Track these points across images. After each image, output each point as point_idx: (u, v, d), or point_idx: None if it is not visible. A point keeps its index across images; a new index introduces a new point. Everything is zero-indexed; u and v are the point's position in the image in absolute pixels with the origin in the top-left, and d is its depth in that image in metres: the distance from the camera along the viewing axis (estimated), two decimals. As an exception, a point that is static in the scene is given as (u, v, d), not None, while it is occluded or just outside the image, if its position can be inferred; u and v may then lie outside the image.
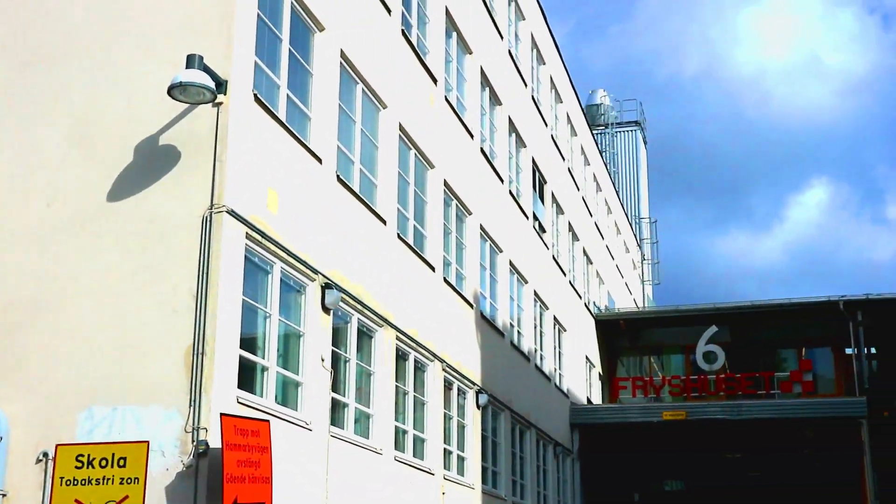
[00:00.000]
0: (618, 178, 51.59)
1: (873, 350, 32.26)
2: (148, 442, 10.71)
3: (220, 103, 11.55)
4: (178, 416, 10.78)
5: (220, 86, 11.50)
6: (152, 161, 11.71)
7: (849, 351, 31.95)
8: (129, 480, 10.58)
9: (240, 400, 11.32)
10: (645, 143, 55.93)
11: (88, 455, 10.76)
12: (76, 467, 10.74)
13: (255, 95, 12.16)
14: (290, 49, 13.43)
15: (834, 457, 32.23)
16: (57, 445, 10.92)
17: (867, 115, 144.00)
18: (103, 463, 10.69)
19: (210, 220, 11.27)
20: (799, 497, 33.12)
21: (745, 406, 29.95)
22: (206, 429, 10.65)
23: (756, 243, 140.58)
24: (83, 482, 10.68)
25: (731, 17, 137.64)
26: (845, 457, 30.57)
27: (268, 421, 11.33)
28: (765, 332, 34.93)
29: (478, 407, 20.88)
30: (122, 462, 10.66)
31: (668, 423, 30.05)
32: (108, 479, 10.62)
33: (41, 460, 11.10)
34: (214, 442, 10.62)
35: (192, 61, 11.21)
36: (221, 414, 10.58)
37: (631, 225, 49.83)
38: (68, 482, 10.71)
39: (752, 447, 33.98)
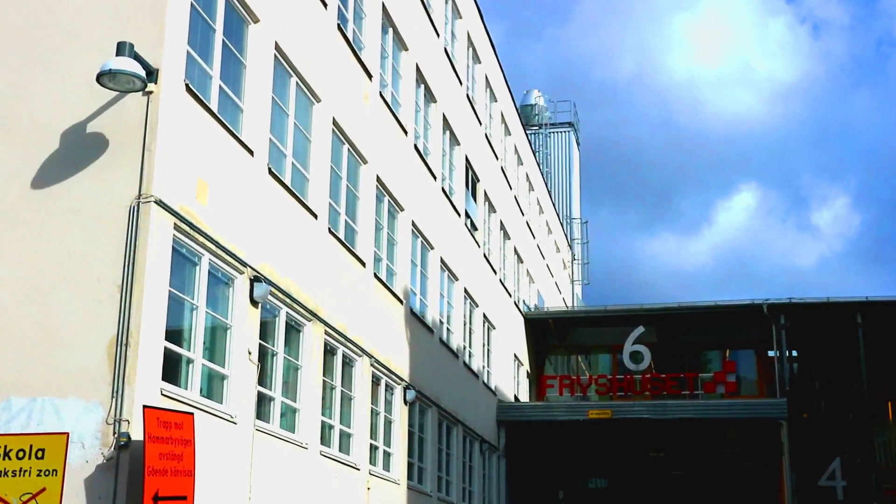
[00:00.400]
0: (550, 178, 51.94)
1: (794, 353, 32.89)
2: (68, 434, 10.56)
3: (151, 92, 11.41)
4: (99, 408, 10.64)
5: (151, 74, 11.37)
6: (79, 149, 11.53)
7: (771, 353, 32.54)
8: (46, 472, 10.42)
9: (164, 392, 11.21)
10: (578, 144, 56.36)
11: (5, 446, 10.57)
12: (-7, 458, 10.54)
13: (187, 85, 12.04)
14: (223, 39, 13.31)
15: (755, 457, 32.86)
16: (-26, 436, 10.71)
17: (796, 123, 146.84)
18: (21, 454, 10.51)
19: (137, 210, 11.14)
20: (720, 496, 33.71)
21: (669, 406, 30.37)
22: (128, 421, 10.53)
23: (684, 246, 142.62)
24: (0, 474, 10.48)
25: (666, 23, 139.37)
26: (766, 457, 31.18)
27: (192, 414, 11.24)
28: (690, 333, 35.45)
29: (405, 403, 20.91)
30: (39, 454, 10.49)
31: (593, 422, 30.35)
32: (25, 470, 10.45)
33: (-43, 451, 10.86)
34: (136, 434, 10.50)
35: (122, 49, 11.06)
36: (144, 406, 10.47)
37: (562, 225, 50.20)
38: (-15, 473, 10.50)
39: (675, 446, 34.50)
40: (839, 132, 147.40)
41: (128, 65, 10.93)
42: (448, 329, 25.44)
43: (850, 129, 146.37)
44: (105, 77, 10.96)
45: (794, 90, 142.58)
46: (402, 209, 21.29)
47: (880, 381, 30.60)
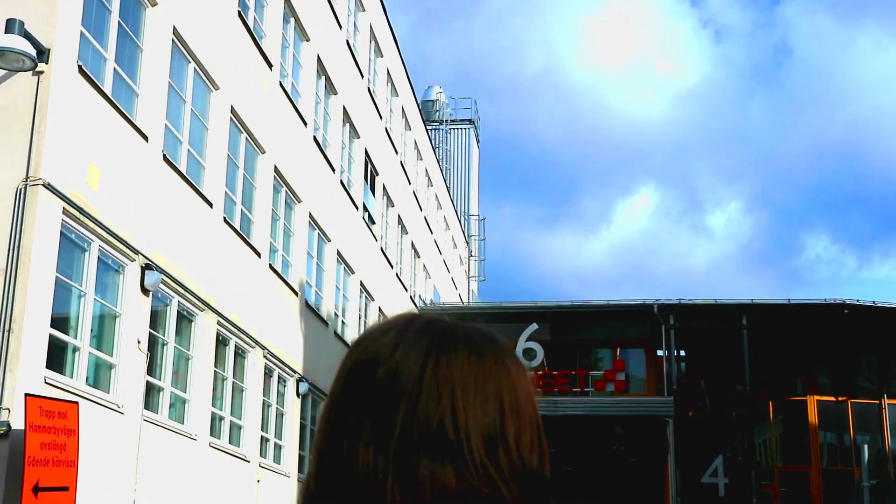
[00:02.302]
0: (449, 174, 52.14)
1: (683, 353, 33.65)
2: (-55, 421, 10.23)
3: (41, 72, 11.12)
4: (-21, 395, 10.33)
5: (42, 54, 11.08)
6: (-36, 128, 11.17)
7: (660, 353, 33.22)
8: (-78, 461, 10.07)
9: (47, 380, 10.94)
10: (478, 141, 56.70)
11: None
12: None
13: (80, 66, 11.76)
14: (119, 21, 13.04)
15: (642, 454, 33.53)
16: None
17: (695, 125, 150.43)
18: None
19: (24, 193, 10.85)
20: (608, 492, 34.29)
21: (560, 402, 30.78)
22: (8, 409, 10.25)
23: (583, 245, 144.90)
24: None
25: (572, 21, 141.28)
26: (652, 454, 31.85)
27: (77, 403, 10.99)
28: (583, 331, 35.94)
29: (298, 395, 20.78)
30: (-85, 441, 10.14)
31: (486, 417, 30.52)
32: None
33: None
34: (17, 423, 10.22)
35: (11, 26, 10.76)
36: (26, 394, 10.20)
37: (460, 221, 50.46)
38: None
39: (566, 443, 34.98)
40: (736, 136, 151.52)
41: (17, 43, 10.64)
42: (343, 322, 25.36)
43: (746, 133, 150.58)
44: (-7, 55, 10.64)
45: (694, 93, 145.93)
46: (299, 200, 21.14)
47: (762, 381, 31.53)
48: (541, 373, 34.40)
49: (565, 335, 35.64)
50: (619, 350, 36.46)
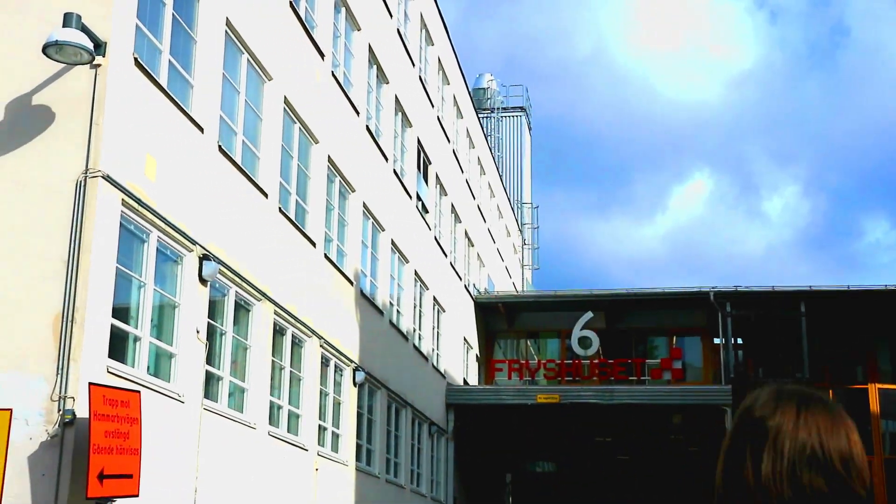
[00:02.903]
0: (502, 162, 52.01)
1: (740, 340, 33.29)
2: (11, 410, 10.38)
3: (99, 65, 11.23)
4: (44, 384, 10.48)
5: (99, 47, 11.18)
6: (25, 121, 11.31)
7: (717, 341, 32.89)
8: (-11, 449, 10.25)
9: (110, 370, 11.07)
10: (529, 129, 56.50)
11: (-53, 422, 10.38)
12: (-67, 435, 10.35)
13: (136, 59, 11.86)
14: (173, 13, 13.13)
15: (700, 442, 33.25)
16: (-87, 412, 10.51)
17: (750, 109, 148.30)
18: (-37, 431, 10.33)
19: (84, 185, 10.96)
20: (665, 481, 34.09)
21: (616, 391, 30.59)
22: (73, 398, 10.39)
23: (636, 231, 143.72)
24: (-60, 450, 10.30)
25: (622, 3, 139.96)
26: (711, 444, 31.55)
27: (138, 392, 11.11)
28: (638, 319, 35.71)
29: (354, 384, 20.86)
30: (-18, 430, 10.31)
31: (541, 406, 30.50)
32: (-33, 447, 10.27)
33: None
34: (82, 412, 10.36)
35: (69, 20, 10.86)
36: (90, 383, 10.32)
37: (513, 209, 50.33)
38: (-76, 450, 10.31)
39: (622, 432, 34.81)
40: (791, 119, 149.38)
41: (75, 36, 10.74)
42: (398, 311, 25.41)
43: (802, 116, 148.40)
44: (51, 48, 10.76)
45: (749, 75, 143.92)
46: (353, 190, 21.20)
47: (822, 369, 31.09)
48: (596, 361, 34.27)
49: (621, 323, 35.46)
50: (675, 338, 36.19)
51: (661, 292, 34.37)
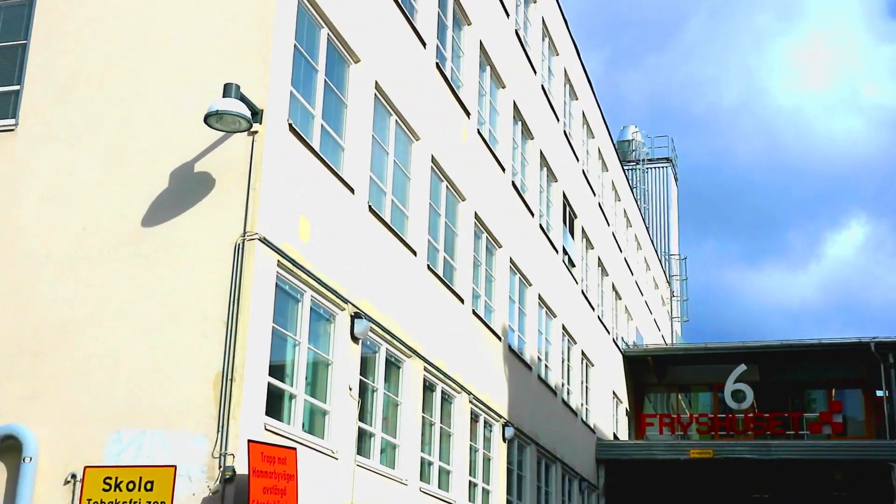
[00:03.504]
0: (648, 214, 51.48)
1: (904, 393, 31.84)
2: (175, 466, 10.75)
3: (256, 132, 11.66)
4: (205, 442, 10.82)
5: (256, 115, 11.62)
6: (186, 187, 11.82)
7: (880, 393, 31.61)
8: (155, 504, 10.62)
9: (267, 427, 11.35)
10: (676, 179, 55.83)
11: (116, 478, 10.81)
12: (104, 489, 10.79)
13: (290, 125, 12.28)
14: (325, 80, 13.56)
15: (864, 500, 31.80)
16: (85, 467, 10.99)
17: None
18: (130, 486, 10.74)
19: (242, 248, 11.36)
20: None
21: (773, 446, 29.65)
22: (233, 455, 10.69)
23: (790, 280, 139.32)
24: (110, 505, 10.72)
25: (770, 47, 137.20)
26: (876, 501, 30.15)
27: (294, 448, 11.35)
28: (794, 371, 34.64)
29: (504, 440, 20.80)
30: (149, 486, 10.70)
31: (694, 461, 29.77)
32: (136, 502, 10.66)
33: (69, 482, 11.16)
34: (241, 468, 10.65)
35: (228, 90, 11.33)
36: (249, 440, 10.61)
37: (660, 261, 49.67)
38: (95, 504, 10.76)
39: (780, 488, 33.60)
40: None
41: (234, 106, 11.19)
42: (546, 366, 25.29)
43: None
44: (212, 118, 11.24)
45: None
46: (499, 246, 21.32)
47: None
48: (751, 415, 33.30)
49: (776, 376, 34.43)
50: (834, 391, 34.91)
51: (818, 343, 33.27)
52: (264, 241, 11.50)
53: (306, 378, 12.69)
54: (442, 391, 17.50)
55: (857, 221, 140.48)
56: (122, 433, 11.14)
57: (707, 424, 33.91)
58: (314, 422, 12.92)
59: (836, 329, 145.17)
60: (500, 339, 20.99)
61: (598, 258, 32.09)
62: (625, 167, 41.63)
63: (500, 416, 20.67)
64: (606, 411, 32.22)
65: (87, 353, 11.59)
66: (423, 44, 17.19)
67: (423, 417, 16.53)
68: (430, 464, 16.83)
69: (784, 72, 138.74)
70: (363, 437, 14.17)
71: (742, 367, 33.08)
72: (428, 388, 16.89)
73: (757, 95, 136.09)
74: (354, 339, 13.72)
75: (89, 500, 10.78)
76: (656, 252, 48.09)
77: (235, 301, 11.18)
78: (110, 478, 10.82)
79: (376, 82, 15.08)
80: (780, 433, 32.53)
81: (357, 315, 13.75)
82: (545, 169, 25.87)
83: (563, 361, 26.95)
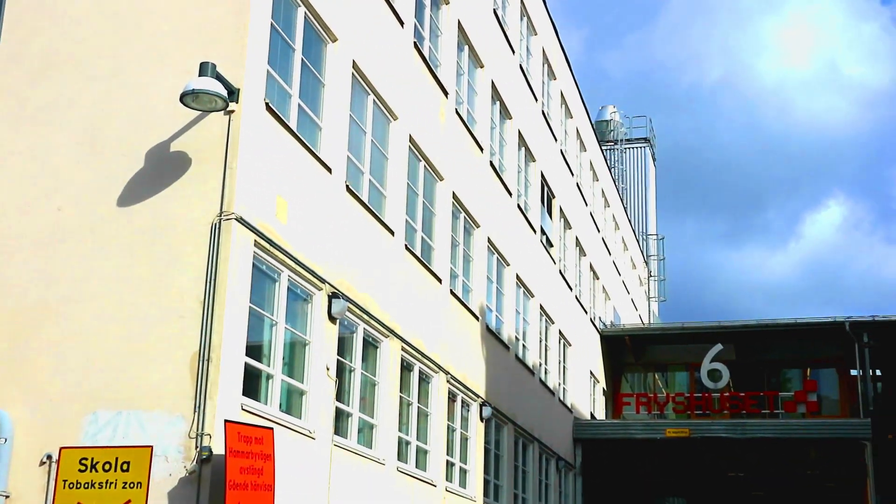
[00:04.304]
0: (626, 194, 51.60)
1: (878, 372, 32.16)
2: (152, 447, 10.74)
3: (232, 111, 11.61)
4: (182, 422, 10.81)
5: (232, 94, 11.57)
6: (162, 167, 11.77)
7: (854, 372, 31.87)
8: (132, 485, 10.62)
9: (244, 407, 11.35)
10: (654, 160, 55.95)
11: (92, 458, 10.80)
12: (79, 470, 10.78)
13: (267, 104, 12.22)
14: (302, 59, 13.50)
15: (838, 478, 32.13)
16: (61, 448, 10.97)
17: (887, 130, 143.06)
18: (107, 467, 10.73)
19: (219, 227, 11.32)
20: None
21: (748, 425, 29.89)
22: (209, 435, 10.69)
23: (768, 260, 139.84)
24: (86, 485, 10.72)
25: (753, 26, 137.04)
26: (849, 479, 30.47)
27: (271, 429, 11.36)
28: (770, 351, 34.89)
29: (481, 419, 20.88)
30: (125, 466, 10.69)
31: (671, 441, 29.98)
32: (112, 482, 10.66)
33: (45, 463, 11.14)
34: (218, 448, 10.65)
35: (204, 69, 11.28)
36: (225, 420, 10.61)
37: (638, 241, 49.83)
38: (71, 485, 10.75)
39: (755, 467, 33.90)
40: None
41: (210, 85, 11.13)
42: (524, 346, 25.38)
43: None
44: (188, 97, 11.18)
45: (885, 95, 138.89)
46: (477, 226, 21.33)
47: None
48: (727, 394, 33.53)
49: (752, 355, 34.67)
50: (809, 370, 35.19)
51: (794, 323, 33.52)
52: (241, 220, 11.47)
53: (283, 358, 12.68)
54: (420, 371, 17.54)
55: (836, 201, 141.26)
56: (98, 414, 11.12)
57: (683, 404, 34.12)
58: (291, 402, 12.92)
59: (813, 308, 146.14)
60: (477, 318, 21.03)
61: (576, 238, 32.17)
62: (603, 147, 41.67)
63: (478, 396, 20.73)
64: (584, 391, 32.38)
65: (64, 333, 11.55)
66: (401, 23, 17.13)
67: (401, 397, 16.57)
68: (407, 444, 16.88)
69: (765, 50, 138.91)
70: (341, 417, 14.19)
71: (718, 347, 33.28)
72: (405, 367, 16.92)
73: (738, 74, 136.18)
74: (332, 318, 13.72)
75: (65, 481, 10.78)
76: (634, 232, 48.24)
77: (212, 281, 11.15)
78: (86, 458, 10.81)
79: (354, 62, 15.02)
80: (755, 412, 32.79)
81: (334, 295, 13.74)
82: (523, 149, 25.87)
83: (540, 341, 27.04)
